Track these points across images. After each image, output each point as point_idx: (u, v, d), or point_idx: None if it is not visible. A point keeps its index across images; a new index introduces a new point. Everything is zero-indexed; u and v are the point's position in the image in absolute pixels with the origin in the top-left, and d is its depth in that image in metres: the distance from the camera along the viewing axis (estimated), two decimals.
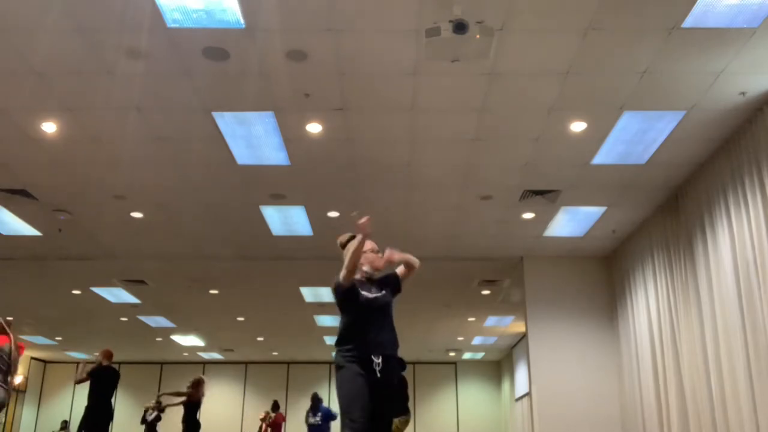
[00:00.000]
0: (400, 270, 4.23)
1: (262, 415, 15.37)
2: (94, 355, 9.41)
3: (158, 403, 13.09)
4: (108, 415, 8.87)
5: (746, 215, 6.60)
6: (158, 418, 13.14)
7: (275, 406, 15.06)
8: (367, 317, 3.91)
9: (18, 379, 15.30)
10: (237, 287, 12.57)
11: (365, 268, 4.10)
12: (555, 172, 7.73)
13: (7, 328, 6.16)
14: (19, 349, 6.23)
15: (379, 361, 3.81)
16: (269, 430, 14.78)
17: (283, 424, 15.16)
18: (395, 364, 3.97)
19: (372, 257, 4.15)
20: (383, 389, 3.81)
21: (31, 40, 5.37)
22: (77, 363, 10.89)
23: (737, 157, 6.78)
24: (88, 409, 8.74)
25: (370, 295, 3.98)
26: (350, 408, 3.70)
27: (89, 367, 8.91)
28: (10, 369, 5.82)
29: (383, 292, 4.04)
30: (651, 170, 7.65)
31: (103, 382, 8.83)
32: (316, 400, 12.70)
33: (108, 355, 9.07)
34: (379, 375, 3.77)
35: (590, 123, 6.67)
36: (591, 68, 5.76)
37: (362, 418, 3.67)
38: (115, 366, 9.35)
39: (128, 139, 6.99)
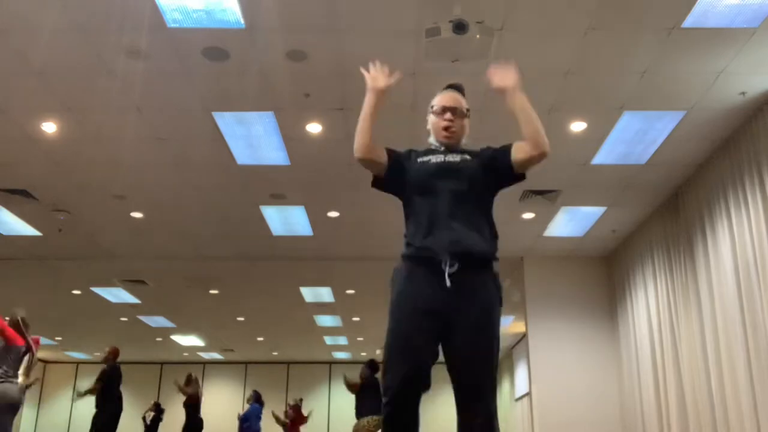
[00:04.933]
0: (521, 150, 2.53)
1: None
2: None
3: (156, 405, 13.11)
4: (119, 411, 8.94)
5: (746, 215, 6.60)
6: (159, 419, 13.16)
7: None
8: (428, 194, 2.43)
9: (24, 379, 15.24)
10: (237, 287, 12.57)
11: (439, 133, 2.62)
12: (555, 172, 7.72)
13: (23, 329, 6.37)
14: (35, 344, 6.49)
15: (451, 266, 2.23)
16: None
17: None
18: (480, 275, 2.30)
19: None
20: (458, 315, 2.25)
21: (31, 40, 5.37)
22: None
23: (737, 157, 6.78)
24: (101, 407, 8.78)
25: (437, 159, 2.49)
26: (386, 345, 2.29)
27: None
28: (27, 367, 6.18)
29: (466, 157, 2.55)
30: (651, 170, 7.64)
31: (114, 381, 8.92)
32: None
33: (116, 353, 9.16)
34: (449, 285, 2.25)
35: (590, 123, 6.67)
36: (591, 68, 5.76)
37: (399, 364, 2.23)
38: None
39: (128, 139, 6.98)
